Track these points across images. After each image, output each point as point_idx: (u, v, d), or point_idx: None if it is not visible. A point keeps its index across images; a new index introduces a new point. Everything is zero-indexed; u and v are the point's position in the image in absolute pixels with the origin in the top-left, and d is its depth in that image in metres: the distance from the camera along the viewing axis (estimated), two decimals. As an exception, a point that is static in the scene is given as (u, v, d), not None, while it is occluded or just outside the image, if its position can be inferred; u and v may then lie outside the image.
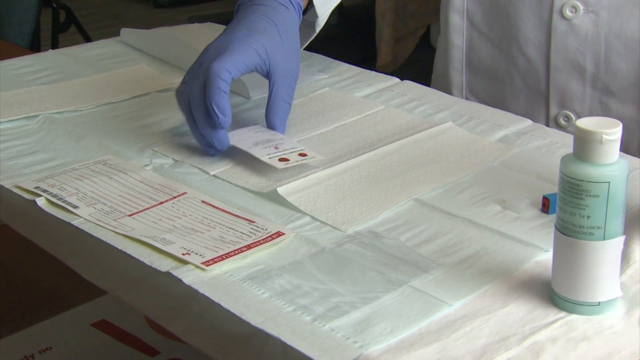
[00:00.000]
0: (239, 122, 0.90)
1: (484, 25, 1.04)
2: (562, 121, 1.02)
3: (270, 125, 0.86)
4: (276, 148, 0.83)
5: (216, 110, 0.81)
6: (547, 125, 1.03)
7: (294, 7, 0.89)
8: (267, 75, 0.85)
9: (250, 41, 0.84)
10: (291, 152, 0.82)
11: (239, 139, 0.85)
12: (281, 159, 0.81)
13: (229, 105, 0.81)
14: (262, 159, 0.81)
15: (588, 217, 0.59)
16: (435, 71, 1.15)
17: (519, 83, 1.03)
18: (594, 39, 0.96)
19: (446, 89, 1.09)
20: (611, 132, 0.58)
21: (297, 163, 0.81)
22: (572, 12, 0.95)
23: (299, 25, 0.90)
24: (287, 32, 0.86)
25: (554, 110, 1.03)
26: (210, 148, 0.84)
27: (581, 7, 0.95)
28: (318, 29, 0.96)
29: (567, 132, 0.96)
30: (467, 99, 1.08)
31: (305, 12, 0.93)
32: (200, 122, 0.83)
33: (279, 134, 0.85)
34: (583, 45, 0.96)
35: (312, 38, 0.97)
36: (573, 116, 1.01)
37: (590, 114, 1.00)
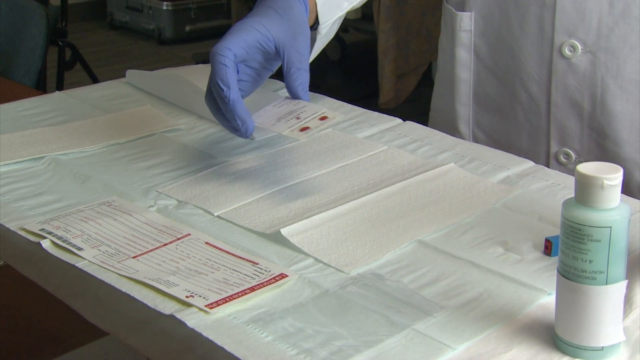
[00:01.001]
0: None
1: (489, 60, 1.05)
2: (562, 159, 1.03)
3: (293, 95, 0.87)
4: (297, 118, 0.83)
5: (220, 85, 0.82)
6: (548, 162, 1.04)
7: (300, 1, 0.91)
8: (275, 50, 0.87)
9: (246, 22, 0.87)
10: (312, 119, 0.82)
11: (262, 119, 0.86)
12: (302, 129, 0.81)
13: (233, 78, 0.82)
14: (283, 133, 0.82)
15: (590, 261, 0.59)
16: (433, 107, 1.16)
17: (522, 119, 1.04)
18: (591, 79, 0.97)
19: (449, 123, 1.10)
20: (612, 177, 0.58)
21: (318, 130, 0.81)
22: (570, 51, 0.97)
23: (305, 15, 0.91)
24: (286, 11, 0.88)
25: (554, 148, 1.04)
26: (239, 132, 0.85)
27: (580, 46, 0.96)
28: (319, 36, 0.97)
29: (568, 170, 0.96)
30: (474, 133, 1.09)
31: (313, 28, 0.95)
32: (222, 104, 0.84)
33: (302, 102, 0.86)
34: (581, 84, 0.97)
35: (316, 48, 0.97)
36: (573, 154, 1.02)
37: (589, 153, 1.01)
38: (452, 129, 1.09)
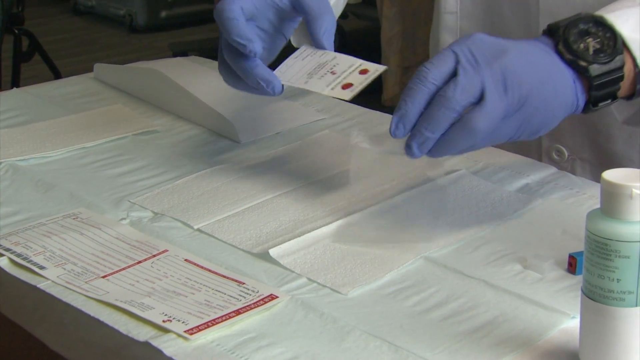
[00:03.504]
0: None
1: None
2: (554, 155, 1.05)
3: (317, 44, 0.86)
4: (333, 73, 0.83)
5: (238, 40, 0.82)
6: (540, 159, 1.05)
7: None
8: (290, 3, 0.86)
9: None
10: (351, 72, 0.82)
11: (290, 75, 0.85)
12: (345, 86, 0.81)
13: (250, 30, 0.83)
14: (323, 92, 0.82)
15: (618, 280, 0.60)
16: None
17: None
18: None
19: None
20: (642, 185, 0.59)
21: (362, 86, 0.80)
22: None
23: None
24: None
25: (545, 143, 1.06)
26: (265, 92, 0.84)
27: None
28: (332, 1, 0.97)
29: (562, 168, 0.98)
30: None
31: None
32: (239, 68, 0.84)
33: (329, 53, 0.85)
34: None
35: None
36: (565, 151, 1.04)
37: (582, 150, 1.03)
38: None
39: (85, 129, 1.04)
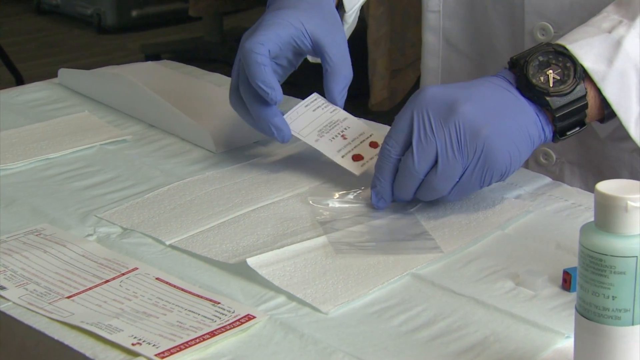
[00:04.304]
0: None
1: (461, 45, 1.11)
2: (542, 159, 1.07)
3: (330, 99, 0.94)
4: (344, 137, 0.91)
5: (262, 86, 0.89)
6: (526, 163, 1.07)
7: None
8: (312, 48, 0.93)
9: (279, 15, 0.93)
10: (361, 142, 0.91)
11: (299, 126, 0.93)
12: (355, 157, 0.90)
13: (274, 77, 0.90)
14: (334, 160, 0.90)
15: (613, 297, 0.61)
16: None
17: None
18: None
19: None
20: (638, 197, 0.60)
21: (371, 162, 0.89)
22: (542, 35, 1.02)
23: (334, 6, 0.98)
24: (320, 4, 0.95)
25: None
26: (272, 136, 0.93)
27: (552, 29, 1.00)
28: (346, 26, 1.03)
29: (549, 172, 1.00)
30: None
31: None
32: (254, 109, 0.91)
33: (340, 111, 0.93)
34: None
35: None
36: (553, 154, 1.06)
37: (571, 152, 1.05)
38: None
39: (49, 139, 1.04)
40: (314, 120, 0.94)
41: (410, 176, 0.84)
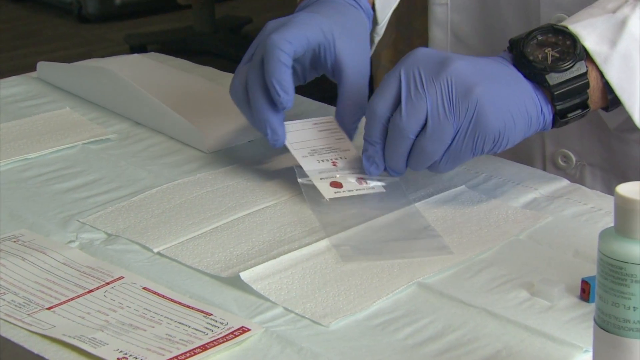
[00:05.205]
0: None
1: (470, 41, 1.12)
2: (560, 162, 1.07)
3: (341, 125, 0.94)
4: (334, 164, 0.91)
5: (277, 87, 0.90)
6: (544, 166, 1.07)
7: (363, 10, 0.99)
8: (332, 66, 0.93)
9: (315, 18, 0.93)
10: (349, 174, 0.91)
11: (296, 137, 0.93)
12: (334, 184, 0.89)
13: (292, 82, 0.90)
14: (311, 177, 0.89)
15: (634, 308, 0.61)
16: None
17: None
18: None
19: None
20: (661, 200, 0.61)
21: (349, 194, 0.89)
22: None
23: (369, 31, 1.00)
24: (356, 26, 0.96)
25: (550, 148, 1.08)
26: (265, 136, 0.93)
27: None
28: (378, 38, 1.04)
29: (568, 176, 1.00)
30: None
31: None
32: (258, 103, 0.91)
33: (345, 141, 0.94)
34: None
35: (372, 49, 1.04)
36: (573, 156, 1.07)
37: (592, 154, 1.05)
38: None
39: (27, 138, 1.05)
40: (314, 140, 0.94)
41: (400, 136, 0.85)
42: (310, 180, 0.90)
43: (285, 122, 0.93)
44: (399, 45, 3.19)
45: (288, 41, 0.90)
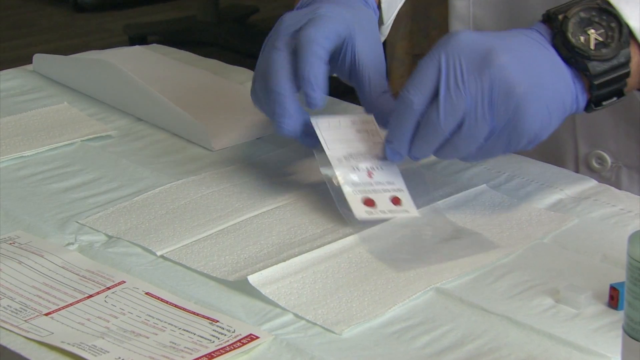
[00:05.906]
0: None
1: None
2: (595, 164, 1.07)
3: (378, 119, 0.92)
4: (369, 175, 0.89)
5: (312, 82, 0.88)
6: (577, 168, 1.07)
7: (371, 8, 1.00)
8: (351, 62, 0.93)
9: (340, 12, 0.93)
10: (383, 192, 0.89)
11: (331, 136, 0.91)
12: (367, 201, 0.88)
13: (326, 80, 0.89)
14: (343, 189, 0.88)
15: (665, 316, 0.62)
16: None
17: None
18: None
19: None
20: (693, 202, 0.61)
21: (381, 215, 0.87)
22: None
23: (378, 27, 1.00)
24: (370, 23, 0.96)
25: (583, 149, 1.08)
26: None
27: None
28: (382, 39, 1.04)
29: (603, 179, 1.00)
30: None
31: None
32: (278, 88, 0.89)
33: (383, 146, 0.90)
34: None
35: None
36: (608, 157, 1.06)
37: (629, 156, 1.05)
38: None
39: (23, 134, 1.05)
40: (350, 141, 0.91)
41: (434, 133, 0.84)
42: (333, 171, 0.88)
43: (320, 117, 0.91)
44: (415, 36, 3.19)
45: (325, 37, 0.90)
